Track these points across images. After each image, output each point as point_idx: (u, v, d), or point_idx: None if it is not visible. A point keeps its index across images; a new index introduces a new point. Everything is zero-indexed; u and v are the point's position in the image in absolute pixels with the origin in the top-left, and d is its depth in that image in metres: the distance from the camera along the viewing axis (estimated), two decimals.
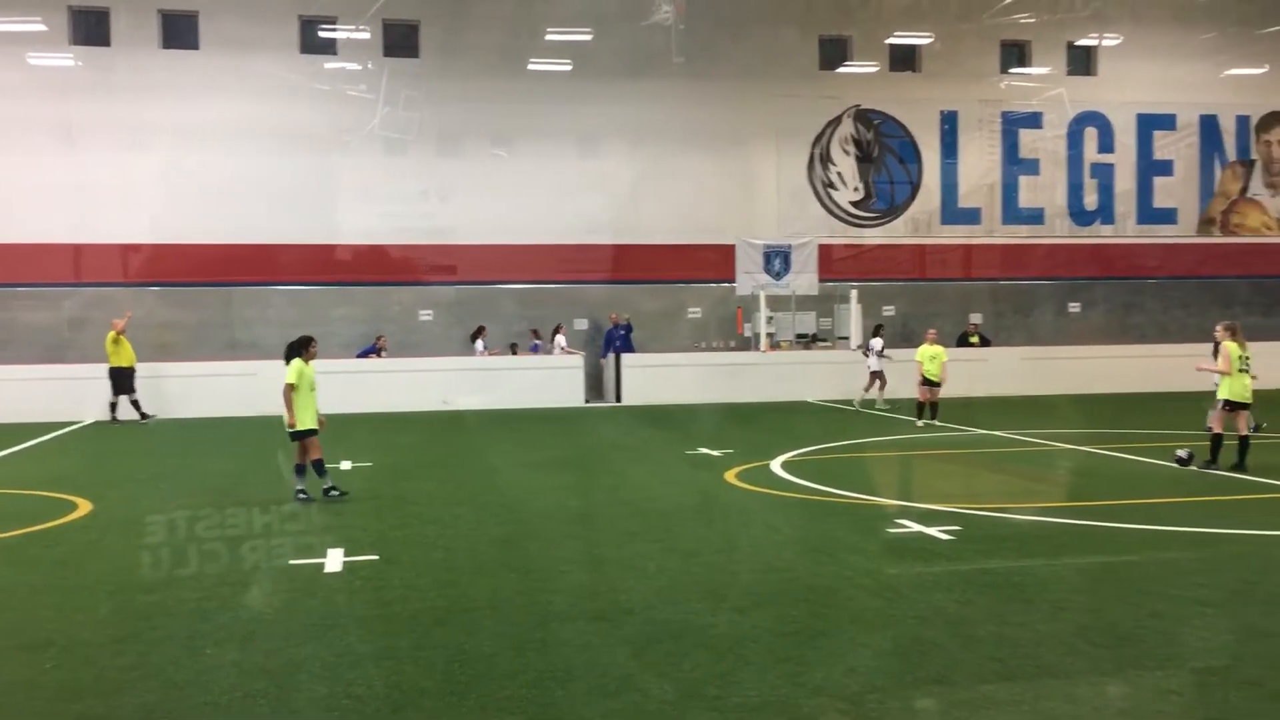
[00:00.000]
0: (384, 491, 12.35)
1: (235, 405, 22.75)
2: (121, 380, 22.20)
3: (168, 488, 13.10)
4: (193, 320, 23.44)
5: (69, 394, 22.68)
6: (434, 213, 27.55)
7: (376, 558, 8.79)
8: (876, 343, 22.52)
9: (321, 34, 27.20)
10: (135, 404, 22.25)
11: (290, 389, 11.49)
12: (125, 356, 22.25)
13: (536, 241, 27.75)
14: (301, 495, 11.59)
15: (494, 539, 9.61)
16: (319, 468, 11.70)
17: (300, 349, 11.73)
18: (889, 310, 29.40)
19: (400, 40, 27.72)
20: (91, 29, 26.27)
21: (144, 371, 22.65)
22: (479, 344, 26.11)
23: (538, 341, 26.85)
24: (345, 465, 14.58)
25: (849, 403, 22.87)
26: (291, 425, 11.54)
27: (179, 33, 26.61)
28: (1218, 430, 13.12)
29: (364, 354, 25.51)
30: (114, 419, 22.18)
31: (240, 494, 12.17)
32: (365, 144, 26.99)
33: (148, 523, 10.40)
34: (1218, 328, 13.38)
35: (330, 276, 27.21)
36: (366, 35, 27.14)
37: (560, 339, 26.40)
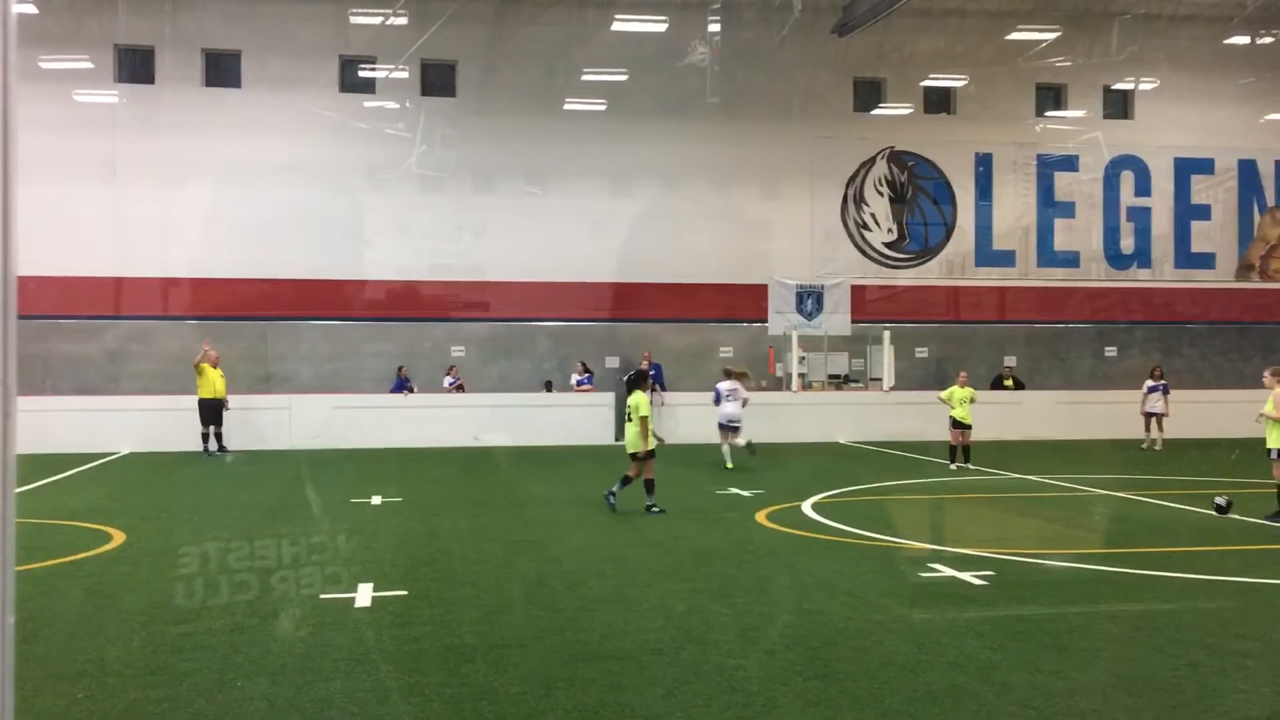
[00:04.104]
0: (414, 527, 12.37)
1: (268, 439, 22.92)
2: (203, 411, 22.34)
3: (201, 520, 13.18)
4: (229, 354, 23.70)
5: (107, 425, 22.94)
6: (468, 250, 27.78)
7: (405, 593, 8.80)
8: None
9: (361, 73, 27.65)
10: (208, 436, 22.34)
11: (646, 420, 13.06)
12: (207, 388, 22.36)
13: (569, 279, 27.90)
14: (612, 500, 13.35)
15: (523, 576, 9.59)
16: (649, 487, 13.24)
17: (640, 382, 13.38)
18: (922, 352, 29.27)
19: (438, 80, 28.11)
20: (136, 67, 26.80)
21: (175, 405, 22.88)
22: (575, 378, 26.34)
23: (588, 374, 26.62)
24: (375, 500, 14.64)
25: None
26: (645, 449, 13.08)
27: (222, 71, 27.13)
28: None
29: (396, 389, 25.65)
30: (205, 450, 22.23)
31: (272, 528, 12.22)
32: (402, 181, 27.33)
33: (180, 554, 10.48)
34: (1267, 374, 13.07)
35: (364, 312, 27.45)
36: (405, 74, 27.55)
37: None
